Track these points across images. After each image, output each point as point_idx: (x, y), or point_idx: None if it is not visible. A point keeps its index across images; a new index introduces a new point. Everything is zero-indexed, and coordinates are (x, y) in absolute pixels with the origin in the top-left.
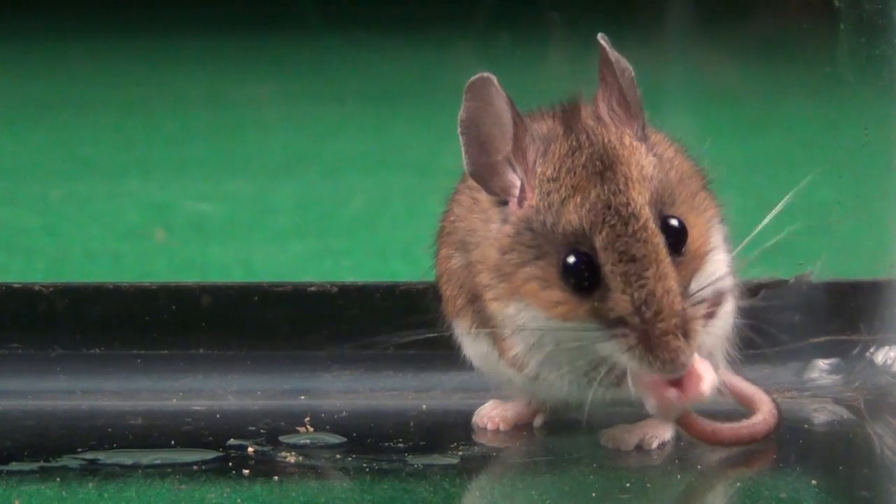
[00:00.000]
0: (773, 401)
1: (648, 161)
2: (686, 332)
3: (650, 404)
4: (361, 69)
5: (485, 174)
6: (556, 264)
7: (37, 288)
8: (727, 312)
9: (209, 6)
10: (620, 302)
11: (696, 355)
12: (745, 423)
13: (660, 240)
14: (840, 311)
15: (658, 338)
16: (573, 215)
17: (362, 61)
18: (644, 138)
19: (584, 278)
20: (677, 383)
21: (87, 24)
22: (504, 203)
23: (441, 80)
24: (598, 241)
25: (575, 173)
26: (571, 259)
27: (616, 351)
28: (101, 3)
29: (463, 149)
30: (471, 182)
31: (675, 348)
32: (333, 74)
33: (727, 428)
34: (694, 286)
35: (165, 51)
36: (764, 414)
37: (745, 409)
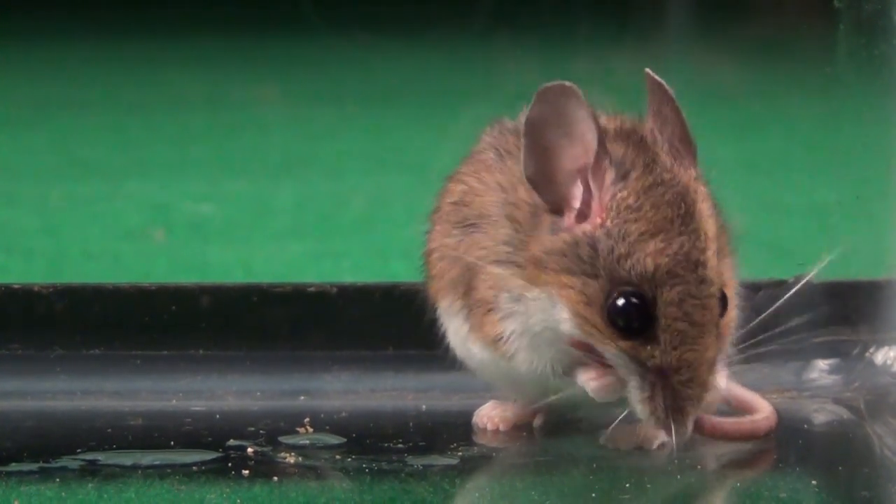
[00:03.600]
0: (770, 404)
1: (712, 213)
2: (701, 402)
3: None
4: (361, 70)
5: (543, 181)
6: (605, 291)
7: (36, 289)
8: (731, 321)
9: (209, 7)
10: (665, 357)
11: None
12: (748, 418)
13: (718, 310)
14: (840, 312)
15: (682, 401)
16: (649, 259)
17: (362, 62)
18: (701, 182)
19: (632, 321)
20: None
21: (86, 25)
22: (557, 212)
23: (441, 80)
24: (667, 295)
25: (659, 210)
26: (622, 301)
27: (635, 389)
28: (101, 4)
29: (523, 151)
30: (507, 166)
31: (688, 413)
32: (333, 75)
33: (730, 422)
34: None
35: (165, 52)
36: (765, 412)
37: (743, 413)
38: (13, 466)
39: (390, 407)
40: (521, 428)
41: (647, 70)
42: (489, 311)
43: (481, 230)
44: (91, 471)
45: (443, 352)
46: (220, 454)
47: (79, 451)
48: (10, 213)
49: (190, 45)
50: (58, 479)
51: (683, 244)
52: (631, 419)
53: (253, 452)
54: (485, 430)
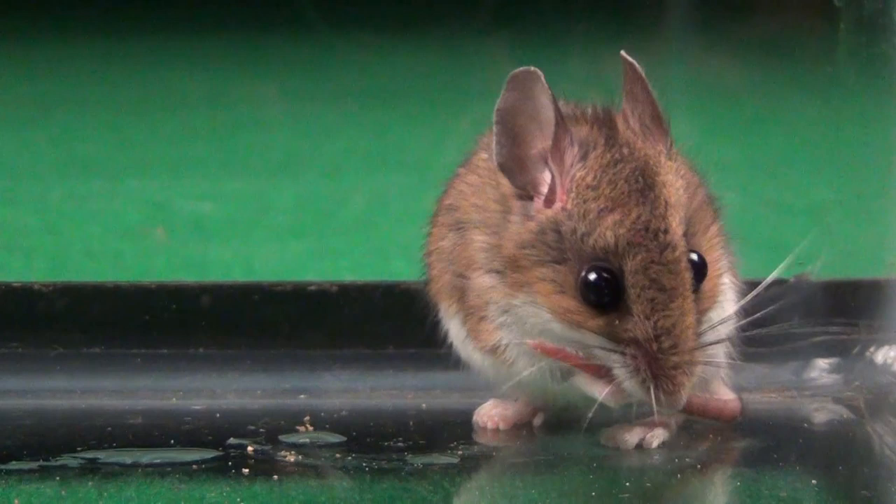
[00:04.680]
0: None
1: (679, 184)
2: (691, 370)
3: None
4: (361, 69)
5: (514, 166)
6: (575, 273)
7: (36, 287)
8: (716, 286)
9: (209, 6)
10: (640, 327)
11: None
12: (715, 398)
13: (689, 274)
14: (840, 311)
15: (668, 370)
16: (609, 232)
17: (362, 61)
18: (673, 158)
19: (603, 295)
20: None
21: (86, 23)
22: (527, 198)
23: (441, 79)
24: (631, 265)
25: (616, 186)
26: (593, 276)
27: (619, 368)
28: (101, 3)
29: (494, 138)
30: (487, 164)
31: (679, 383)
32: (333, 74)
33: (698, 398)
34: (701, 327)
35: (165, 50)
36: (731, 397)
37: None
38: (13, 465)
39: (390, 405)
40: (521, 427)
41: (622, 52)
42: (482, 318)
43: (468, 234)
44: (91, 469)
45: (443, 350)
46: (220, 453)
47: (79, 449)
48: (10, 211)
49: (190, 43)
50: (58, 478)
51: (641, 214)
52: (631, 418)
53: (253, 451)
54: (485, 428)
